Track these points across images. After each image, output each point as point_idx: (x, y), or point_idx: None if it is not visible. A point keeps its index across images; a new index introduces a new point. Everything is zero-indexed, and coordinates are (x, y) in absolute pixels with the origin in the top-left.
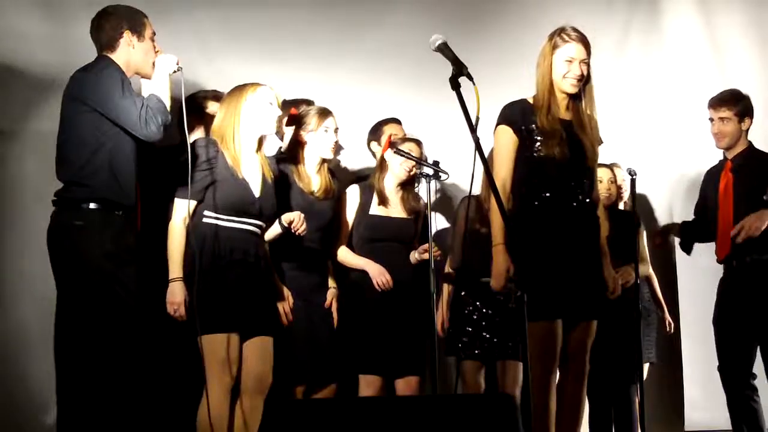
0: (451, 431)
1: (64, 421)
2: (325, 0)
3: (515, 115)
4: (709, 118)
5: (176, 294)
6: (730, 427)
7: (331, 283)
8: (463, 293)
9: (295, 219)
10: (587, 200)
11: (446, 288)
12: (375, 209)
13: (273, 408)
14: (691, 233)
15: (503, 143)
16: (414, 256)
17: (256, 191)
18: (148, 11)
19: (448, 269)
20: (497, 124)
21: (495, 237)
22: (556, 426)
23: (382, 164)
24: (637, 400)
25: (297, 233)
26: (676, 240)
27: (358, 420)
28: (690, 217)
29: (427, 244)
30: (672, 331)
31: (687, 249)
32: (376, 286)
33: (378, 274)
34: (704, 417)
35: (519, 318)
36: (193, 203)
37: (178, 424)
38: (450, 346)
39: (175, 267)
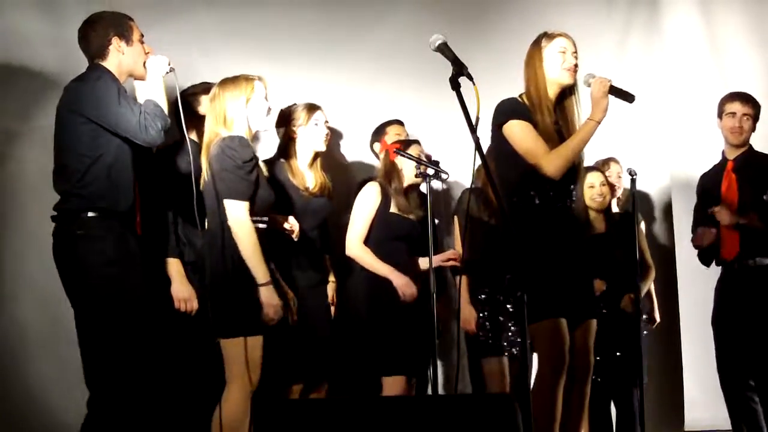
0: (450, 431)
1: (93, 421)
2: (325, 0)
3: (521, 109)
4: (730, 112)
5: (275, 297)
6: (730, 427)
7: (331, 277)
8: (487, 290)
9: (294, 227)
10: (575, 201)
11: (465, 285)
12: (394, 209)
13: (264, 408)
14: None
15: (525, 131)
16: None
17: (269, 187)
18: (149, 12)
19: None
20: (505, 120)
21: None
22: (560, 426)
23: (394, 168)
24: (637, 401)
25: (295, 238)
26: (676, 239)
27: (357, 420)
28: (691, 217)
29: (447, 252)
30: (654, 326)
31: (706, 262)
32: (402, 297)
33: (405, 286)
34: (704, 417)
35: (519, 318)
36: (247, 204)
37: (188, 427)
38: (481, 346)
39: (264, 270)
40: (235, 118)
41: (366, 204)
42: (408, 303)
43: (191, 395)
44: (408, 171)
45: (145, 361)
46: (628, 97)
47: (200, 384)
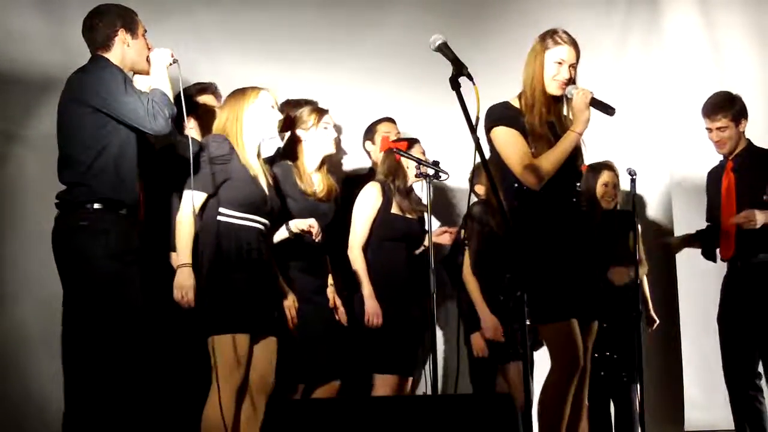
0: (450, 431)
1: (71, 421)
2: (325, 0)
3: (508, 115)
4: (706, 128)
5: (186, 279)
6: (730, 427)
7: (330, 280)
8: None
9: (315, 228)
10: (576, 201)
11: (478, 291)
12: (395, 209)
13: (274, 408)
14: (710, 240)
15: (509, 138)
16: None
17: (266, 190)
18: (149, 11)
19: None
20: (491, 127)
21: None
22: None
23: (399, 167)
24: (637, 400)
25: (317, 241)
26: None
27: (357, 420)
28: (691, 217)
29: (441, 228)
30: (654, 327)
31: (711, 257)
32: (366, 322)
33: (373, 315)
34: (704, 417)
35: (519, 319)
36: (204, 195)
37: (183, 424)
38: (500, 351)
39: (185, 253)
40: (230, 125)
41: (367, 205)
42: (390, 291)
43: (187, 392)
44: (412, 170)
45: (128, 359)
46: (608, 110)
47: (195, 381)
